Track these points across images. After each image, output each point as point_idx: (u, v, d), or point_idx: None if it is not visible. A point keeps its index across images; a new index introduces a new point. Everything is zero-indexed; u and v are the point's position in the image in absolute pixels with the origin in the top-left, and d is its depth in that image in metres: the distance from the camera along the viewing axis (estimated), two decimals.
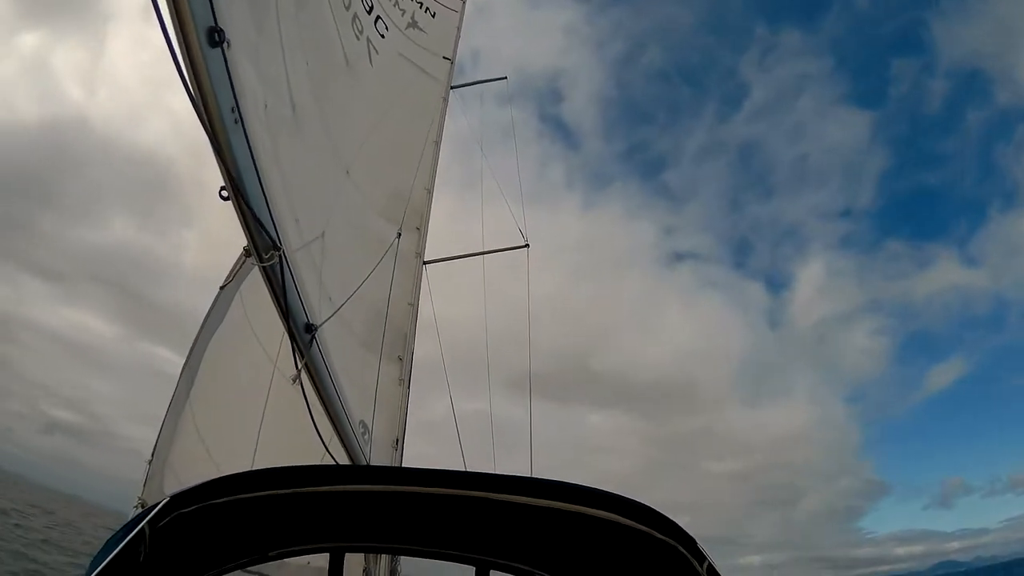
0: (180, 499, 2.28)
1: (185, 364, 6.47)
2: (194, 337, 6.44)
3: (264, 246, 2.77)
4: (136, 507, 5.74)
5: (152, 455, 6.05)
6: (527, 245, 8.83)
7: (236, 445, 6.44)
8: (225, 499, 2.45)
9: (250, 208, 2.58)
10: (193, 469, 6.28)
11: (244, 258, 2.91)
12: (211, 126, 2.18)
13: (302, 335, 3.26)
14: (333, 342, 3.97)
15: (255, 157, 2.60)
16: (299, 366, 3.28)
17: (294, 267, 3.27)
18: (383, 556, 6.10)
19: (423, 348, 7.19)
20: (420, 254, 7.37)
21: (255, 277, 6.70)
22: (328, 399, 3.78)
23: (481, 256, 8.62)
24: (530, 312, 8.80)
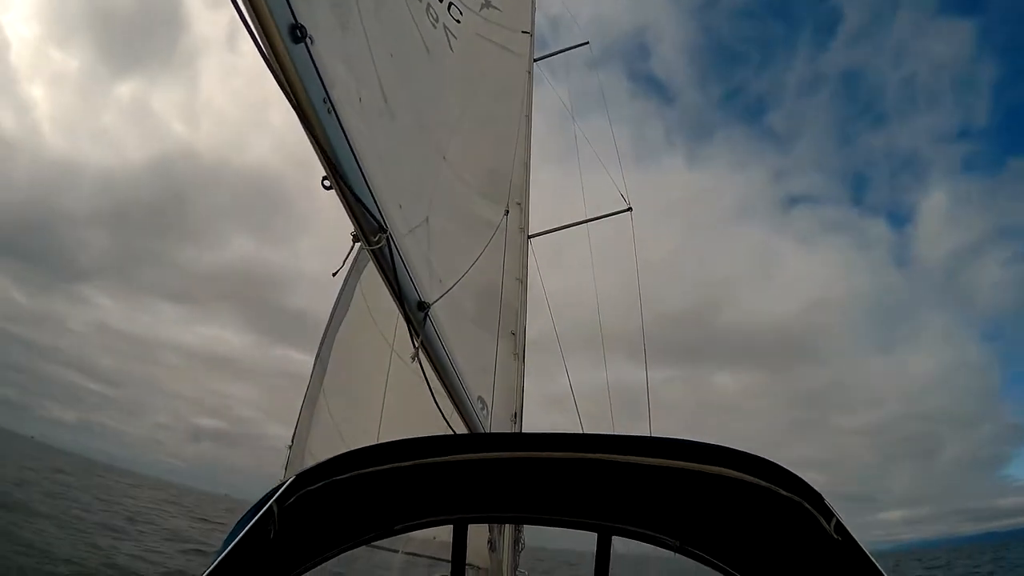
0: (306, 477, 2.35)
1: (317, 355, 6.94)
2: (323, 329, 6.89)
3: (371, 229, 2.90)
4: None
5: (291, 442, 6.54)
6: (630, 209, 8.65)
7: (366, 427, 6.82)
8: (349, 474, 2.52)
9: (353, 193, 2.70)
10: (329, 453, 6.69)
11: (353, 244, 3.04)
12: (305, 117, 2.31)
13: (415, 313, 3.38)
14: (447, 321, 4.10)
15: (352, 145, 2.71)
16: (415, 344, 3.41)
17: (402, 249, 3.40)
18: (507, 526, 6.26)
19: (535, 322, 7.25)
20: (524, 229, 7.43)
21: (372, 265, 7.05)
22: (446, 375, 3.91)
23: (585, 225, 8.54)
24: (639, 276, 8.63)
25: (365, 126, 3.13)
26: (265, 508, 2.18)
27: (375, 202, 2.97)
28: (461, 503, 3.05)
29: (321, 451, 6.74)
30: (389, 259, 3.06)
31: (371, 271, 6.98)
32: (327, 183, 2.64)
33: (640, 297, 8.14)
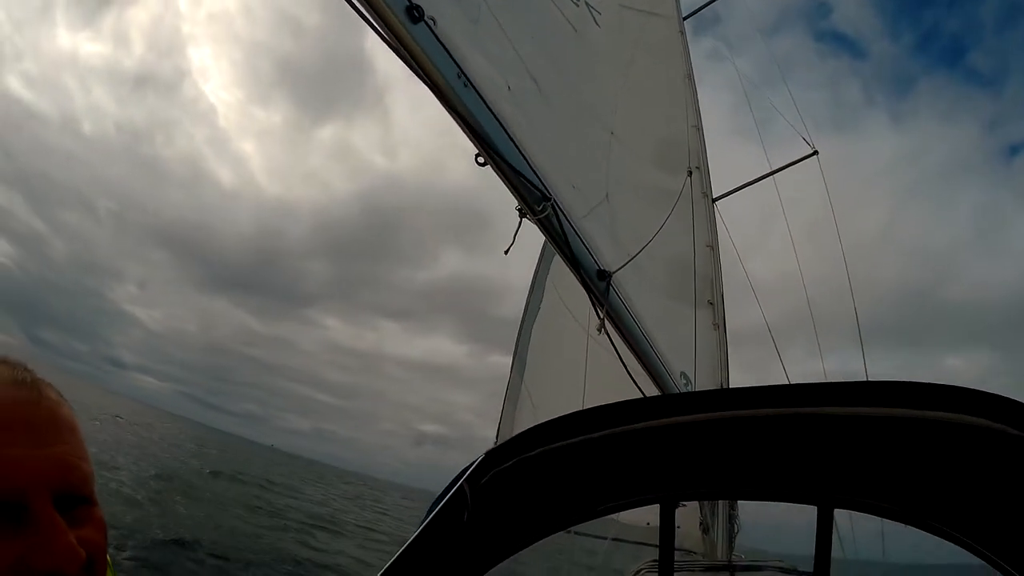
0: (495, 455, 2.31)
1: (514, 353, 7.10)
2: (518, 327, 7.06)
3: (533, 199, 2.84)
4: None
5: (496, 440, 6.68)
6: (815, 153, 7.71)
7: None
8: (540, 449, 2.35)
9: (507, 163, 2.65)
10: None
11: (520, 220, 2.99)
12: (440, 92, 2.32)
13: (596, 283, 3.26)
14: (636, 293, 3.92)
15: (500, 118, 2.68)
16: (600, 314, 3.28)
17: (583, 228, 3.30)
18: (721, 504, 5.79)
19: (729, 290, 6.70)
20: (707, 193, 6.99)
21: (559, 258, 7.10)
22: (639, 348, 3.72)
23: (771, 178, 7.78)
24: (837, 226, 7.61)
25: (519, 112, 3.09)
26: (455, 489, 2.05)
27: (533, 171, 2.91)
28: (668, 478, 2.83)
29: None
30: (558, 228, 2.97)
31: (559, 262, 7.04)
32: (480, 159, 2.63)
33: (841, 244, 7.15)
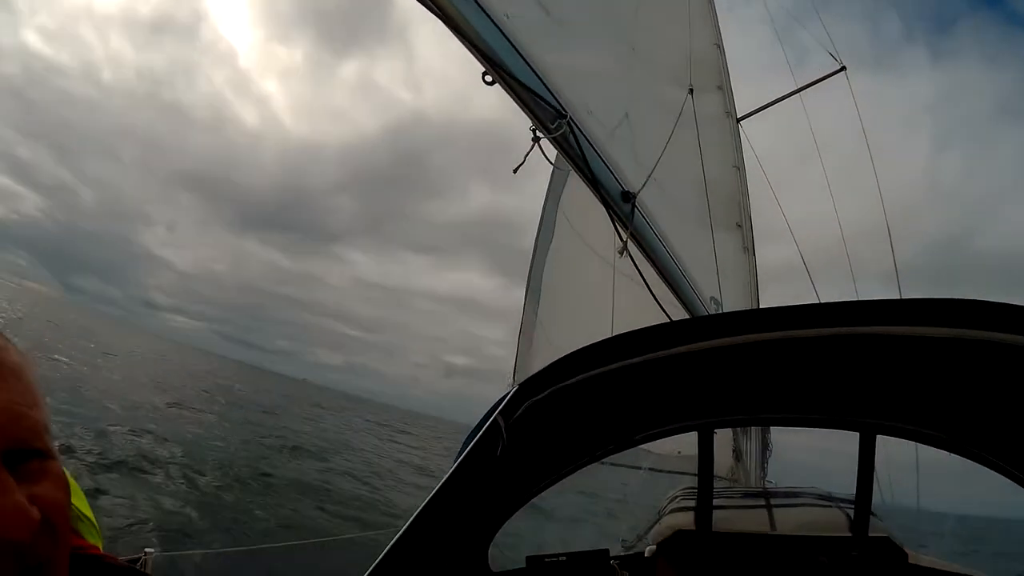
0: (529, 385, 2.15)
1: (527, 286, 6.94)
2: (529, 261, 6.90)
3: (547, 116, 2.66)
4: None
5: (513, 375, 6.62)
6: (843, 68, 7.26)
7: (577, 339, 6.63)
8: (576, 379, 2.20)
9: (516, 79, 2.47)
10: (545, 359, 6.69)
11: (533, 143, 2.80)
12: (439, 8, 2.12)
13: (620, 205, 3.10)
14: (662, 220, 3.75)
15: (507, 36, 2.49)
16: (624, 237, 3.14)
17: (604, 150, 3.10)
18: (753, 430, 5.71)
19: (757, 212, 6.46)
20: (731, 112, 6.66)
21: (569, 187, 6.89)
22: (666, 270, 3.57)
23: (798, 96, 7.38)
24: (868, 144, 7.20)
25: (527, 26, 2.87)
26: (490, 423, 2.07)
27: (547, 87, 2.72)
28: (704, 405, 2.71)
29: (540, 359, 6.75)
30: (576, 147, 2.80)
31: (570, 191, 6.83)
32: (487, 78, 2.44)
33: (873, 165, 6.78)
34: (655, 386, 2.43)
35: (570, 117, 2.74)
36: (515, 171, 2.79)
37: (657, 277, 3.52)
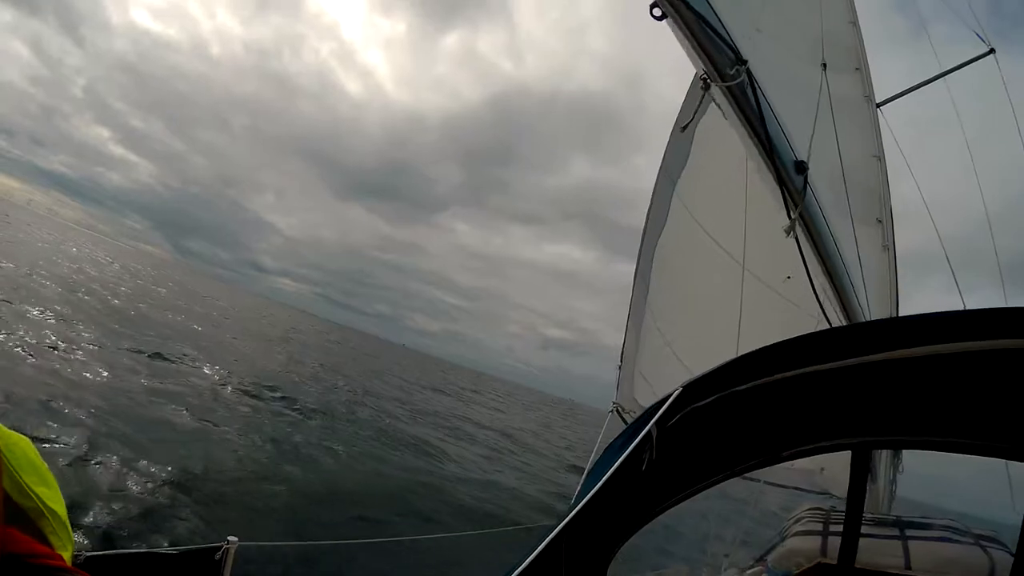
0: (694, 389, 1.94)
1: (636, 267, 6.54)
2: (640, 239, 6.48)
3: (724, 62, 2.23)
4: (611, 411, 5.94)
5: (620, 360, 6.28)
6: (992, 51, 6.44)
7: (704, 343, 6.25)
8: (748, 385, 1.93)
9: (695, 12, 2.05)
10: (662, 371, 6.34)
11: (702, 93, 2.37)
12: None
13: (792, 176, 2.62)
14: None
15: None
16: (792, 215, 2.66)
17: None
18: (889, 451, 5.13)
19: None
20: (870, 97, 5.99)
21: (692, 165, 6.40)
22: (830, 260, 3.08)
23: (943, 80, 6.59)
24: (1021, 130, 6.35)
25: None
26: (643, 435, 1.85)
27: (724, 27, 2.28)
28: (865, 420, 2.33)
29: (653, 372, 6.37)
30: (753, 100, 2.34)
31: (690, 172, 6.36)
32: (657, 12, 2.02)
33: None
34: (819, 396, 2.14)
35: (748, 65, 2.29)
36: (684, 129, 2.38)
37: (819, 268, 3.02)
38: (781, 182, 2.58)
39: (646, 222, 6.52)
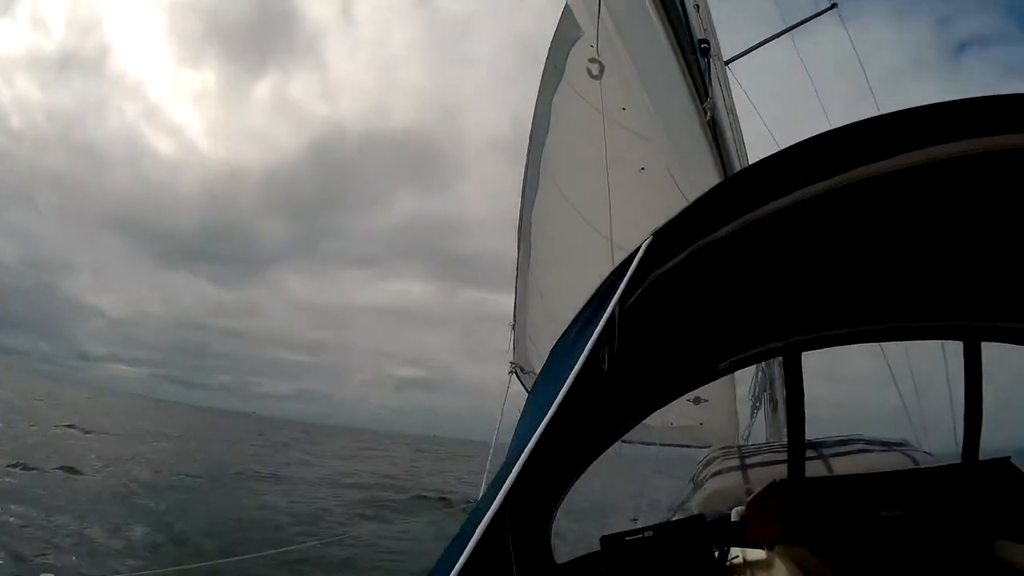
0: (662, 239, 1.61)
1: (519, 230, 6.43)
2: (518, 212, 6.41)
3: None
4: (511, 372, 5.70)
5: (513, 321, 6.09)
6: (834, 6, 7.05)
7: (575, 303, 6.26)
8: (722, 232, 1.63)
9: None
10: (546, 335, 6.25)
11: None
12: None
13: (699, 57, 2.58)
14: None
15: None
16: (705, 103, 2.61)
17: None
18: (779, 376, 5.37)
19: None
20: (717, 55, 6.32)
21: (552, 138, 6.46)
22: (728, 157, 3.10)
23: (789, 35, 7.09)
24: (868, 81, 6.99)
25: None
26: (606, 316, 1.44)
27: None
28: (791, 322, 2.34)
29: (539, 333, 6.26)
30: None
31: (555, 137, 6.45)
32: None
33: (875, 96, 6.57)
34: (755, 293, 2.03)
35: None
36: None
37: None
38: (693, 65, 2.53)
39: (523, 189, 6.47)
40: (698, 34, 2.71)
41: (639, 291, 1.59)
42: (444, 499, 18.81)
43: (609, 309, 1.44)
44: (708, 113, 2.59)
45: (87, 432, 29.65)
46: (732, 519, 2.57)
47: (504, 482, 1.20)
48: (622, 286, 1.48)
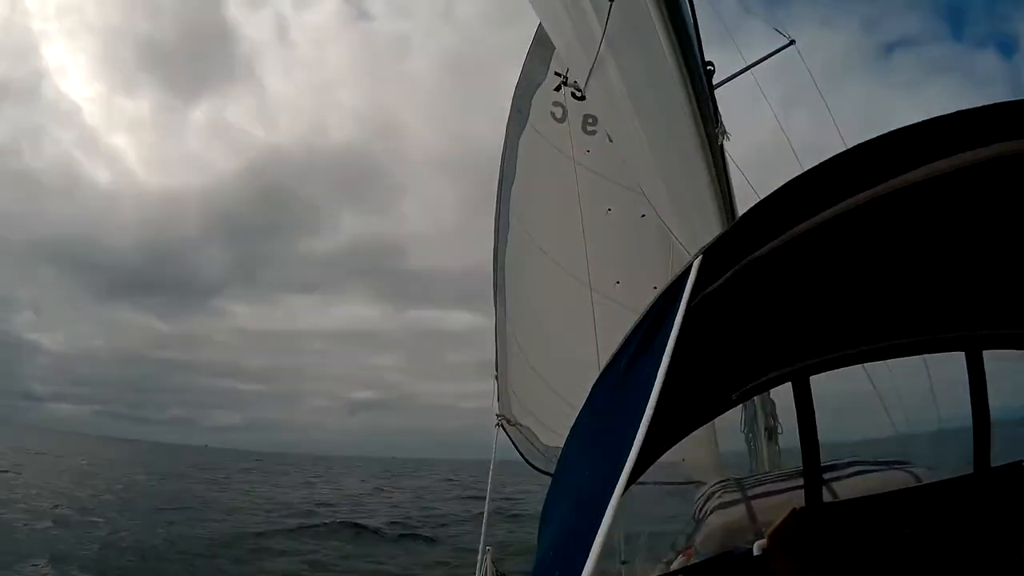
0: (712, 256, 1.54)
1: (495, 283, 6.35)
2: (492, 257, 6.32)
3: None
4: (497, 425, 5.56)
5: (496, 371, 5.98)
6: (792, 42, 7.28)
7: (556, 356, 6.19)
8: (768, 247, 1.60)
9: None
10: (527, 387, 6.19)
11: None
12: None
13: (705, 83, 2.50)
14: None
15: None
16: (717, 127, 2.52)
17: None
18: (769, 404, 5.32)
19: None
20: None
21: (519, 180, 6.43)
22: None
23: (750, 72, 7.27)
24: (830, 111, 7.16)
25: None
26: (671, 343, 1.31)
27: None
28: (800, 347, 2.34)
29: (521, 389, 6.12)
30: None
31: (520, 188, 6.42)
32: None
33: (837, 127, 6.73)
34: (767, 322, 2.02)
35: None
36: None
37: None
38: (699, 86, 2.44)
39: (495, 236, 6.39)
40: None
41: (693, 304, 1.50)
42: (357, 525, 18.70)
43: (672, 337, 1.32)
44: (720, 138, 2.50)
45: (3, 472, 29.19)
46: (755, 553, 2.44)
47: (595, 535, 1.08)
48: (681, 310, 1.38)
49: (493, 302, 6.16)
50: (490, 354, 5.73)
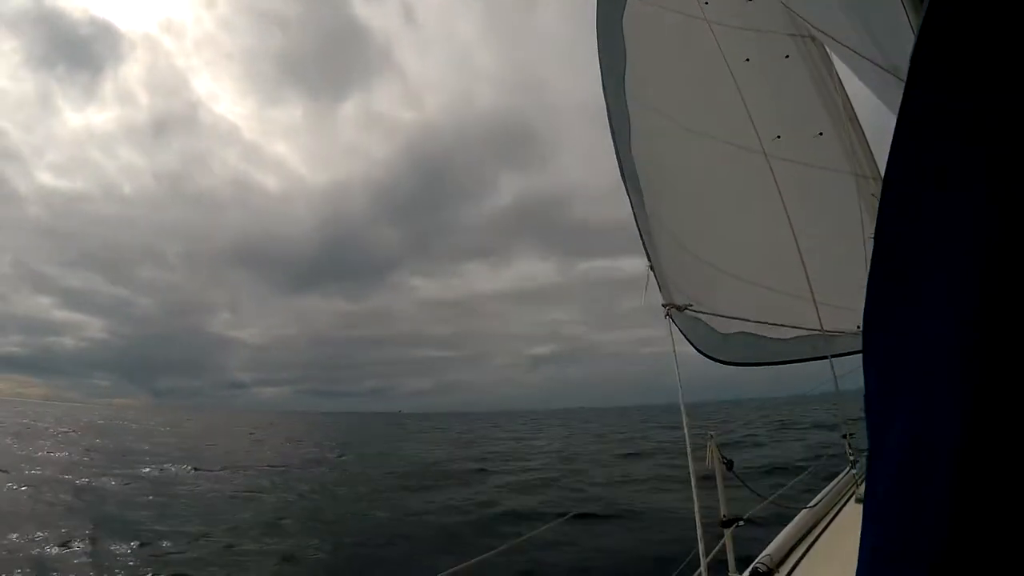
0: None
1: (623, 176, 6.14)
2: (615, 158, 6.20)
3: None
4: (667, 316, 5.48)
5: (649, 261, 5.82)
6: None
7: (710, 230, 6.04)
8: None
9: None
10: (686, 274, 6.04)
11: None
12: None
13: None
14: None
15: None
16: None
17: None
18: None
19: None
20: None
21: (634, 62, 6.17)
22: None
23: None
24: None
25: None
26: None
27: None
28: None
29: (678, 274, 6.11)
30: None
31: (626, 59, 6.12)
32: None
33: None
34: None
35: None
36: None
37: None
38: None
39: (611, 129, 6.25)
40: None
41: None
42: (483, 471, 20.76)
43: None
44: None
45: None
46: None
47: None
48: None
49: (625, 190, 5.98)
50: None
